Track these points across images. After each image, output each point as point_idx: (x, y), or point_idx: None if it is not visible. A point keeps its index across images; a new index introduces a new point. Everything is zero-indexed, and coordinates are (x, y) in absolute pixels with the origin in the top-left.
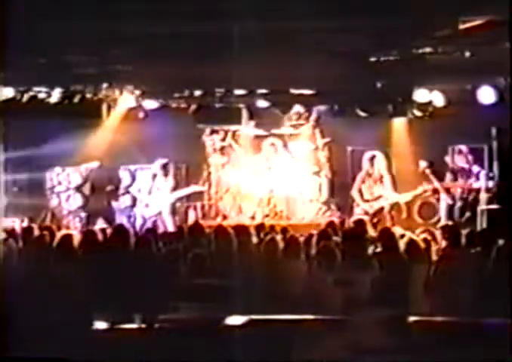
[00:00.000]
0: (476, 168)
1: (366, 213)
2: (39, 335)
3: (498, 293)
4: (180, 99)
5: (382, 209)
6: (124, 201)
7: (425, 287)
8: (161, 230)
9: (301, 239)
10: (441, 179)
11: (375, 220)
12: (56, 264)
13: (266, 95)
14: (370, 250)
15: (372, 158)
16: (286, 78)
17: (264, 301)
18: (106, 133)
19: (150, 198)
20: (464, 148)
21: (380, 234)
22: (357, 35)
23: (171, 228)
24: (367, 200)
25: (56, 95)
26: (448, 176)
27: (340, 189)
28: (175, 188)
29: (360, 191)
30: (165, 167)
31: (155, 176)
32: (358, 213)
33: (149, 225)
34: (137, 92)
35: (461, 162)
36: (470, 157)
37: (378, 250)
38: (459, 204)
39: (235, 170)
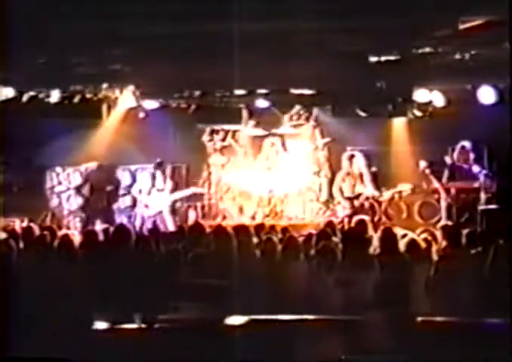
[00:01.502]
0: (476, 168)
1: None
2: (39, 335)
3: (498, 293)
4: (180, 99)
5: (362, 206)
6: (124, 201)
7: (425, 287)
8: (161, 230)
9: (301, 239)
10: (441, 179)
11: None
12: (56, 264)
13: (266, 95)
14: (371, 250)
15: (351, 157)
16: (286, 78)
17: (264, 301)
18: (106, 133)
19: (150, 199)
20: (463, 148)
21: (380, 235)
22: (357, 35)
23: (171, 228)
24: (348, 198)
25: (56, 95)
26: (448, 176)
27: None
28: (175, 189)
29: (341, 189)
30: (160, 166)
31: (154, 176)
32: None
33: (149, 225)
34: (137, 92)
35: (460, 162)
36: (470, 157)
37: (378, 251)
38: (459, 204)
39: (235, 170)
